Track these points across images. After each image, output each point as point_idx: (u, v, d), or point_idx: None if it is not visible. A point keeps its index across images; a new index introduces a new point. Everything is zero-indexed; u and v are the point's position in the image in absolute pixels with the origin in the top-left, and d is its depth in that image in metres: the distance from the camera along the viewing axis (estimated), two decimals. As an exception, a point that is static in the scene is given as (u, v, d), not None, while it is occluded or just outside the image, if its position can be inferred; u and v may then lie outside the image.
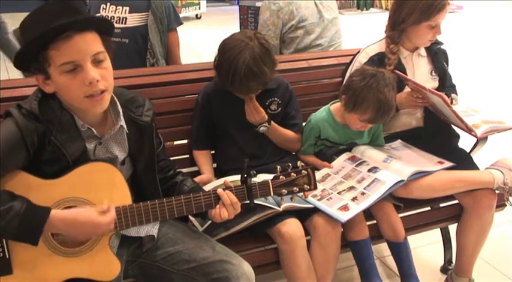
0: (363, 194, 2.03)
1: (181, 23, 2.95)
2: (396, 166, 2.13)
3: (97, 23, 1.51)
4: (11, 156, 1.43)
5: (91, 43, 1.46)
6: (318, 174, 2.11)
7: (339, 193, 2.05)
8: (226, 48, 2.02)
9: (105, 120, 1.61)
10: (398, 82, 2.26)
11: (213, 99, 2.16)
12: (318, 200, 2.02)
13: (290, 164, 1.72)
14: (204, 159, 2.22)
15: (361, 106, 2.09)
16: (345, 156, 2.23)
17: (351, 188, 2.07)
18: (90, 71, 1.44)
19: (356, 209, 1.97)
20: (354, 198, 2.01)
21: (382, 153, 2.22)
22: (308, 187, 1.73)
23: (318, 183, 1.78)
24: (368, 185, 2.06)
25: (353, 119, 2.16)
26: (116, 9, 2.75)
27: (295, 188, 1.72)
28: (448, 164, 2.20)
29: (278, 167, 1.72)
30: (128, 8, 2.75)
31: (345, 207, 1.98)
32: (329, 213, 1.96)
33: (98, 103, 1.49)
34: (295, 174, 1.71)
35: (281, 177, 1.70)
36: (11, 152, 1.43)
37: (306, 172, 1.72)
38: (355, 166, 2.17)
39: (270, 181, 1.69)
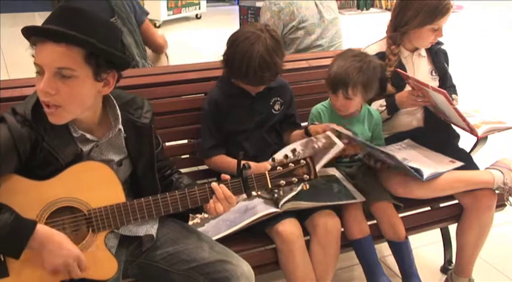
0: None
1: (147, 13, 2.85)
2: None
3: (75, 40, 1.41)
4: (2, 162, 1.42)
5: (60, 56, 1.41)
6: None
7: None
8: (238, 40, 2.02)
9: (104, 123, 1.60)
10: (398, 81, 2.26)
11: (221, 104, 2.13)
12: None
13: (287, 154, 1.68)
14: (228, 158, 2.14)
15: (329, 72, 2.13)
16: None
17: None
18: (44, 81, 1.42)
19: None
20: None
21: (399, 154, 2.19)
22: (308, 177, 1.65)
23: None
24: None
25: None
26: None
27: (293, 179, 1.64)
28: (459, 163, 2.19)
29: (275, 158, 1.66)
30: None
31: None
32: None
33: (50, 115, 1.47)
34: (293, 164, 1.64)
35: (278, 168, 1.63)
36: (3, 158, 1.42)
37: (304, 162, 1.65)
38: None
39: (266, 172, 1.63)
